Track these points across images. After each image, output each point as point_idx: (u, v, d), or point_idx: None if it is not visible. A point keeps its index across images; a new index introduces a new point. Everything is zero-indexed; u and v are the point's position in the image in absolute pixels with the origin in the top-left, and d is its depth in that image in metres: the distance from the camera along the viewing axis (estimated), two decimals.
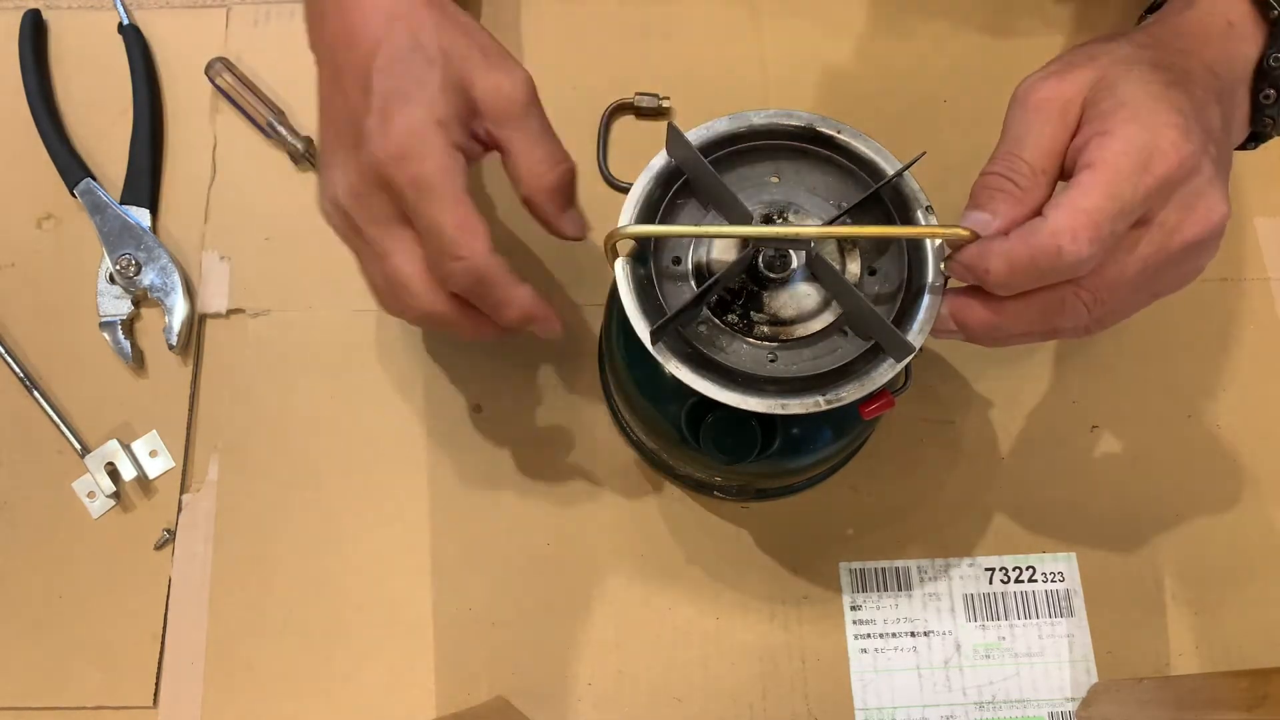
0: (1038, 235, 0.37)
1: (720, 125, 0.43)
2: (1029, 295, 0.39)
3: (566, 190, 0.45)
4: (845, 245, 0.42)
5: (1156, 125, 0.37)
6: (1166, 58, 0.41)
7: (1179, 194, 0.38)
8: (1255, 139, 0.45)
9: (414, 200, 0.40)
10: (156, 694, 0.52)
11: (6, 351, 0.56)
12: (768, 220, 0.42)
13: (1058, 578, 0.54)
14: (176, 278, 0.57)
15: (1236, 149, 0.44)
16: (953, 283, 0.40)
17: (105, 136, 0.60)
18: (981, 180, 0.40)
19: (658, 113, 0.60)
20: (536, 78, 0.44)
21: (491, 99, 0.43)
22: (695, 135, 0.42)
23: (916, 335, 0.40)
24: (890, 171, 0.42)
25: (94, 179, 0.58)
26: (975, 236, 0.38)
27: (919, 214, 0.41)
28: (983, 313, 0.40)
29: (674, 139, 0.42)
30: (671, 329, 0.40)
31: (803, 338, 0.41)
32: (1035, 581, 0.54)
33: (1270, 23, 0.42)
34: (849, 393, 0.39)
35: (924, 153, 0.42)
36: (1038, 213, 0.37)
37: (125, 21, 0.62)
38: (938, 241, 0.41)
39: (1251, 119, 0.43)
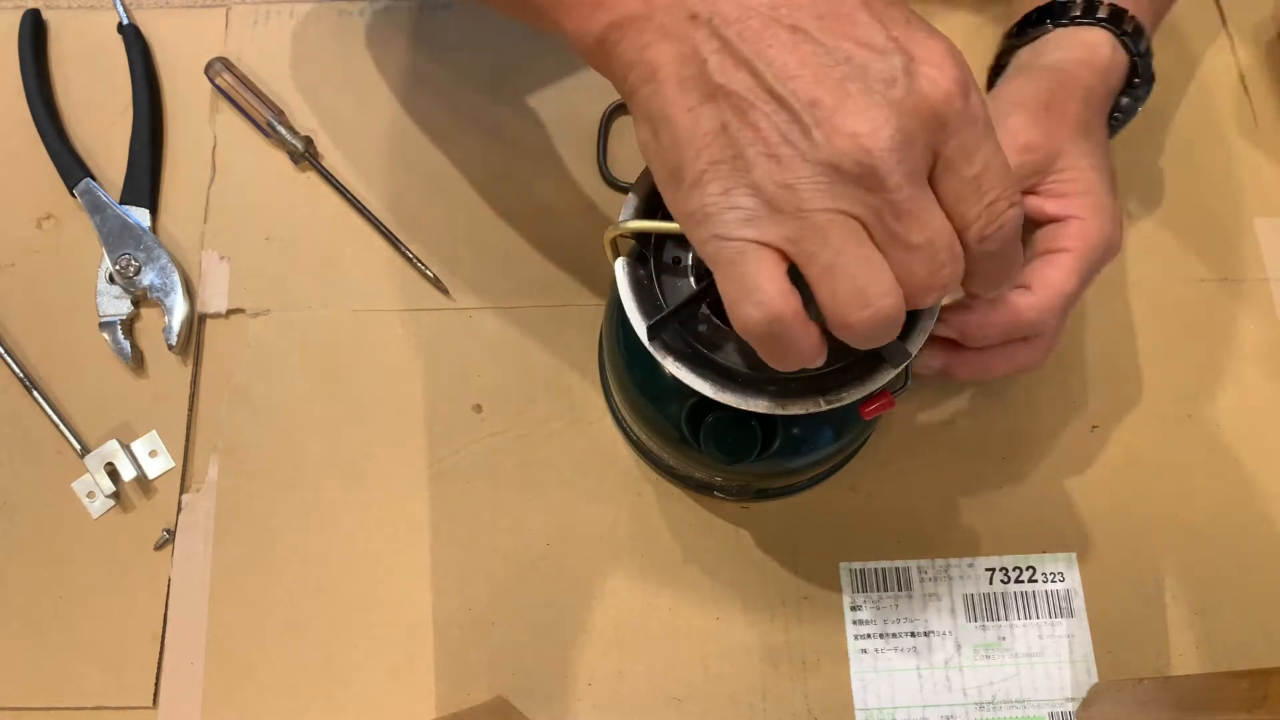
0: (1017, 311, 0.46)
1: None
2: (1004, 345, 0.48)
3: None
4: None
5: (1114, 220, 0.47)
6: (1084, 111, 0.48)
7: None
8: None
9: (976, 137, 0.32)
10: (156, 694, 0.52)
11: (6, 351, 0.56)
12: None
13: (1058, 578, 0.54)
14: (176, 278, 0.57)
15: None
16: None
17: (105, 136, 0.60)
18: None
19: None
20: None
21: None
22: None
23: (915, 340, 0.40)
24: None
25: (94, 179, 0.58)
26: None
27: None
28: (964, 357, 0.49)
29: None
30: (671, 327, 0.40)
31: None
32: (1035, 581, 0.54)
33: (1133, 56, 0.51)
34: (849, 393, 0.39)
35: None
36: None
37: (125, 21, 0.62)
38: None
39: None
